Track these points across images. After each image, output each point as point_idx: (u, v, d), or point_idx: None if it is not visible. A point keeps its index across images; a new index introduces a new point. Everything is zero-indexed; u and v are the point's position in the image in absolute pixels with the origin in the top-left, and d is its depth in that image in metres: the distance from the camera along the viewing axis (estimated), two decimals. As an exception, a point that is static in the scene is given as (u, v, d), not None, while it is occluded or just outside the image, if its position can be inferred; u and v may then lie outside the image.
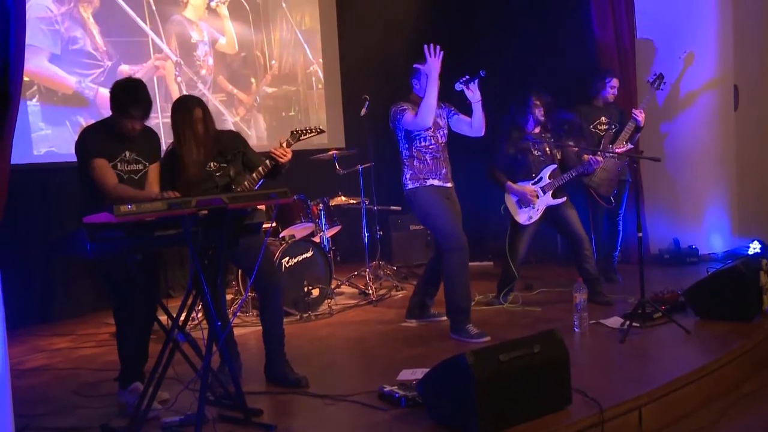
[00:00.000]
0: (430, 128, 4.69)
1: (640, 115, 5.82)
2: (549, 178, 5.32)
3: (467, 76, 4.56)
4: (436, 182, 4.73)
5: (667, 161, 6.58)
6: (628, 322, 4.41)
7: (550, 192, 5.32)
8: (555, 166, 5.34)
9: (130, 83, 3.62)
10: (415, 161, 4.73)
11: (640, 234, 4.58)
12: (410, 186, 4.77)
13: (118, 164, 3.62)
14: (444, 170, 4.77)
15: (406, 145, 4.75)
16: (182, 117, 3.85)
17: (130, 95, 3.54)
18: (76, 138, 3.70)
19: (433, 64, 4.50)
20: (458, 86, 4.61)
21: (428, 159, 4.72)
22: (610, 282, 5.90)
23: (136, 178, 3.69)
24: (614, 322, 4.67)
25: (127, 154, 3.66)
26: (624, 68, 6.67)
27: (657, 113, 6.66)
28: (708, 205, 6.38)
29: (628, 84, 6.64)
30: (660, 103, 6.75)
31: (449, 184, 4.81)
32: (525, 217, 5.35)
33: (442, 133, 4.80)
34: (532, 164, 5.36)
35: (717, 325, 4.46)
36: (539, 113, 5.34)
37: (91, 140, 3.61)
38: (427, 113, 4.56)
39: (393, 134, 4.83)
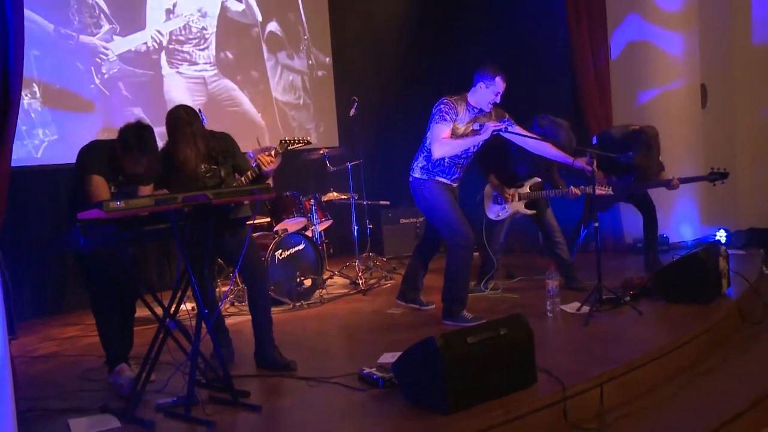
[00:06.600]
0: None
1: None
2: (529, 189, 5.52)
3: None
4: (444, 180, 4.75)
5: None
6: (584, 307, 4.69)
7: (525, 202, 5.51)
8: (539, 180, 5.52)
9: (141, 129, 3.70)
10: (432, 156, 4.66)
11: (597, 224, 4.79)
12: (418, 176, 4.75)
13: (112, 187, 3.77)
14: (456, 175, 4.76)
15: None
16: (176, 126, 4.03)
17: (139, 141, 3.65)
18: (82, 146, 3.83)
19: (489, 131, 4.54)
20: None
21: (446, 162, 4.69)
22: None
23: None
24: (572, 307, 4.87)
25: (121, 177, 3.82)
26: (601, 87, 7.05)
27: (632, 111, 6.93)
28: (678, 197, 6.61)
29: (605, 103, 7.01)
30: (636, 103, 7.06)
31: (455, 185, 4.82)
32: (494, 213, 5.54)
33: (478, 146, 4.73)
34: (519, 172, 5.55)
35: (680, 307, 4.72)
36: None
37: (94, 158, 3.74)
38: (446, 154, 4.59)
39: (428, 118, 4.69)
